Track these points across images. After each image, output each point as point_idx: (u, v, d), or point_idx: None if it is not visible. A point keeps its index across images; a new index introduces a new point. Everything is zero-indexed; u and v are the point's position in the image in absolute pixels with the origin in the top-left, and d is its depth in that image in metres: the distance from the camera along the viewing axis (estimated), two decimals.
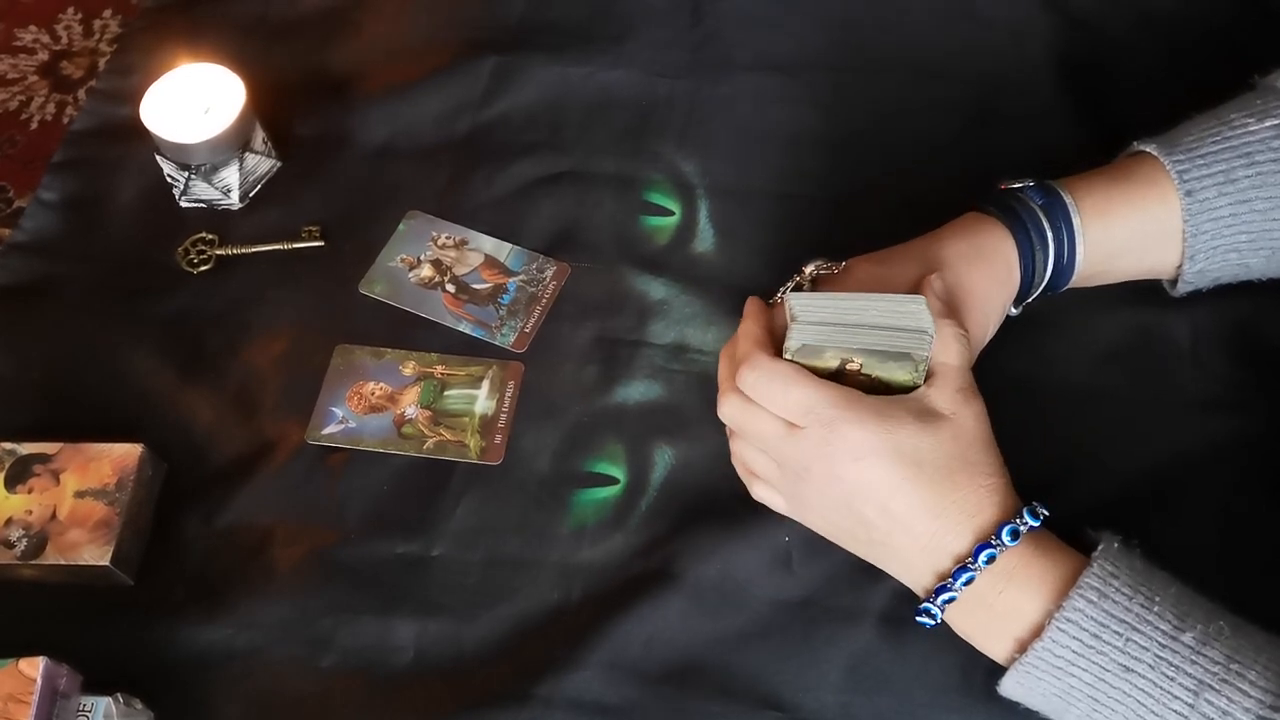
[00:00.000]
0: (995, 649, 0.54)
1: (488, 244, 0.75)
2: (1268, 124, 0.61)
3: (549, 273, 0.73)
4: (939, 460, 0.54)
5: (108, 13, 1.77)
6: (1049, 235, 0.62)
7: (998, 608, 0.54)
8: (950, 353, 0.56)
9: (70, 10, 1.78)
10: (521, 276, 0.73)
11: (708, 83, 0.80)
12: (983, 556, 0.53)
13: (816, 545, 0.60)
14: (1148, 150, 0.63)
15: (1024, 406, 0.66)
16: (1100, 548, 0.53)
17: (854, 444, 0.53)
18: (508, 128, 0.80)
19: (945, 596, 0.54)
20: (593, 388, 0.69)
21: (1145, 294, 0.68)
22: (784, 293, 0.63)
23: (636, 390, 0.69)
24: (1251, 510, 0.62)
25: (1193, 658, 0.49)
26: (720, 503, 0.63)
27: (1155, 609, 0.51)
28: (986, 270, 0.61)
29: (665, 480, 0.65)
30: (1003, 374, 0.66)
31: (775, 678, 0.59)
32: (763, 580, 0.61)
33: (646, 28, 0.83)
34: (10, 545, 0.62)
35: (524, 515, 0.65)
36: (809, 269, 0.63)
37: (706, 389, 0.68)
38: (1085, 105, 0.77)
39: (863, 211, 0.74)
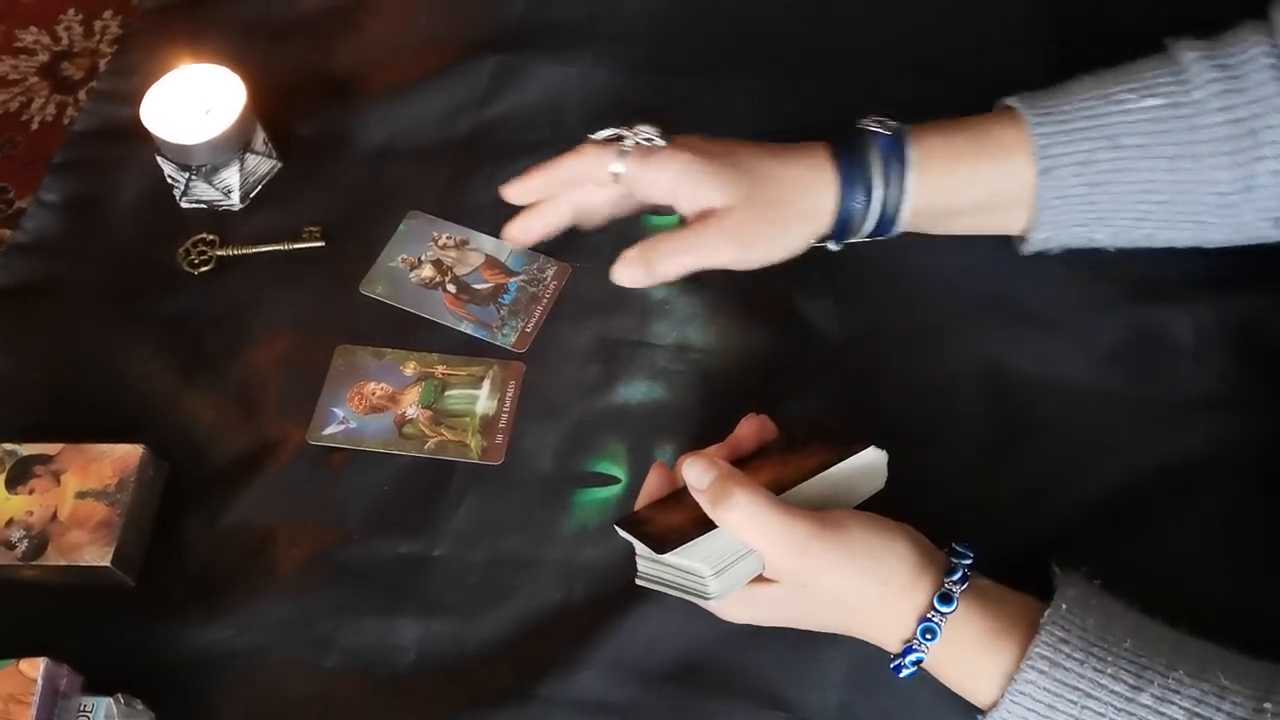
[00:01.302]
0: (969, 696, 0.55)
1: (489, 244, 0.75)
2: (1147, 103, 0.60)
3: (550, 273, 0.73)
4: (834, 613, 0.56)
5: (108, 13, 1.78)
6: (874, 180, 0.62)
7: (953, 678, 0.54)
8: (755, 529, 0.52)
9: (71, 11, 1.78)
10: (522, 276, 0.73)
11: (708, 83, 0.80)
12: (909, 659, 0.54)
13: None
14: (1016, 111, 0.62)
15: (1025, 406, 0.66)
16: (1048, 611, 0.52)
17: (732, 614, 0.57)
18: (508, 127, 0.80)
19: (903, 675, 0.55)
20: (594, 388, 0.69)
21: (1147, 294, 0.68)
22: (602, 135, 0.65)
23: (638, 390, 0.69)
24: (1252, 510, 0.62)
25: (1150, 719, 0.49)
26: None
27: (1109, 670, 0.49)
28: (775, 225, 0.62)
29: None
30: (1004, 373, 0.66)
31: (778, 677, 0.59)
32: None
33: (647, 28, 0.83)
34: (11, 546, 0.62)
35: (526, 515, 0.65)
36: (633, 137, 0.64)
37: (708, 389, 0.68)
38: None
39: None
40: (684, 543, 0.52)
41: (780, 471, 0.56)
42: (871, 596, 0.54)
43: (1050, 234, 0.64)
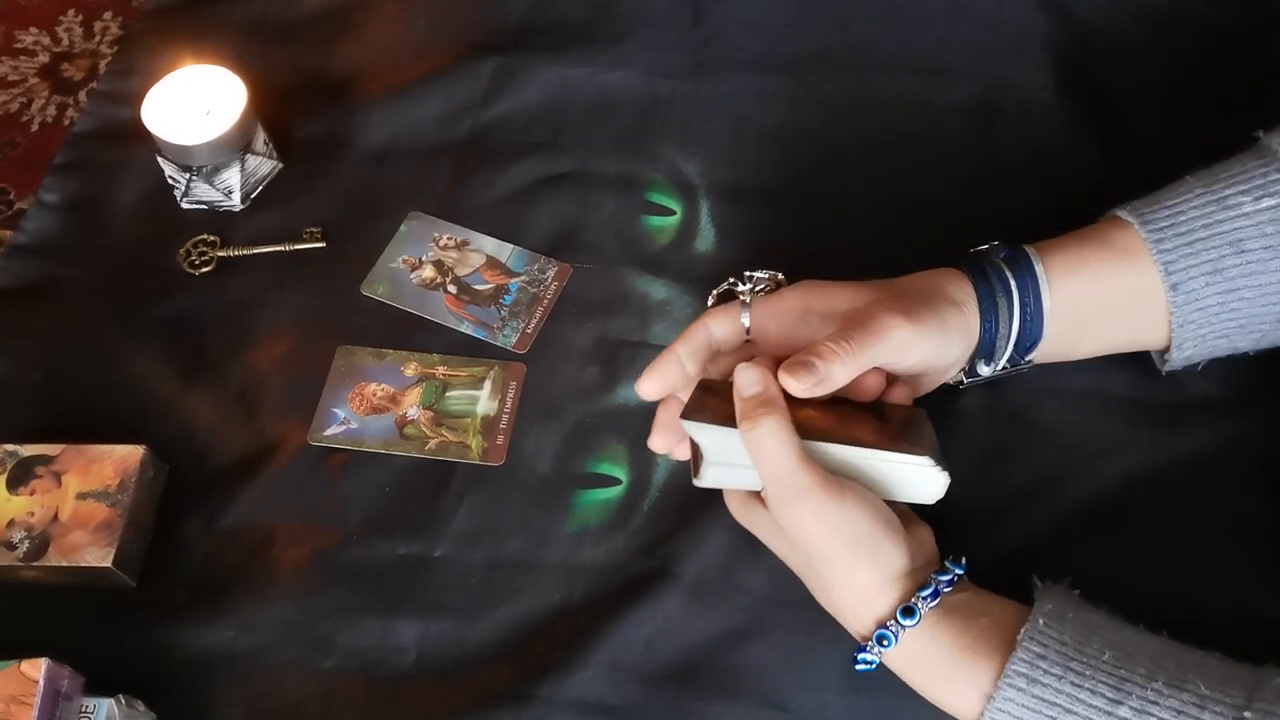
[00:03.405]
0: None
1: (489, 245, 0.75)
2: (1265, 205, 0.57)
3: (550, 273, 0.73)
4: (802, 568, 0.57)
5: (108, 14, 1.78)
6: (1012, 282, 0.59)
7: (929, 691, 0.54)
8: (763, 458, 0.53)
9: (71, 12, 1.78)
10: (523, 277, 0.73)
11: (708, 83, 0.80)
12: (862, 657, 0.55)
13: None
14: (1131, 223, 0.59)
15: (1025, 408, 0.66)
16: (1025, 628, 0.52)
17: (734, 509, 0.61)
18: (509, 128, 0.80)
19: (858, 669, 0.56)
20: (595, 388, 0.69)
21: None
22: (717, 293, 0.64)
23: None
24: (1251, 512, 0.62)
25: None
26: (722, 503, 0.63)
27: (1088, 685, 0.49)
28: (927, 307, 0.57)
29: (667, 481, 0.65)
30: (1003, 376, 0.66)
31: (777, 677, 0.59)
32: (764, 579, 0.61)
33: (647, 28, 0.83)
34: (12, 547, 0.62)
35: (526, 516, 0.65)
36: (747, 288, 0.61)
37: None
38: (1086, 104, 0.77)
39: (863, 211, 0.74)
40: (704, 422, 0.55)
41: (833, 424, 0.56)
42: (836, 576, 0.55)
43: (1192, 351, 0.60)
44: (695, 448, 0.57)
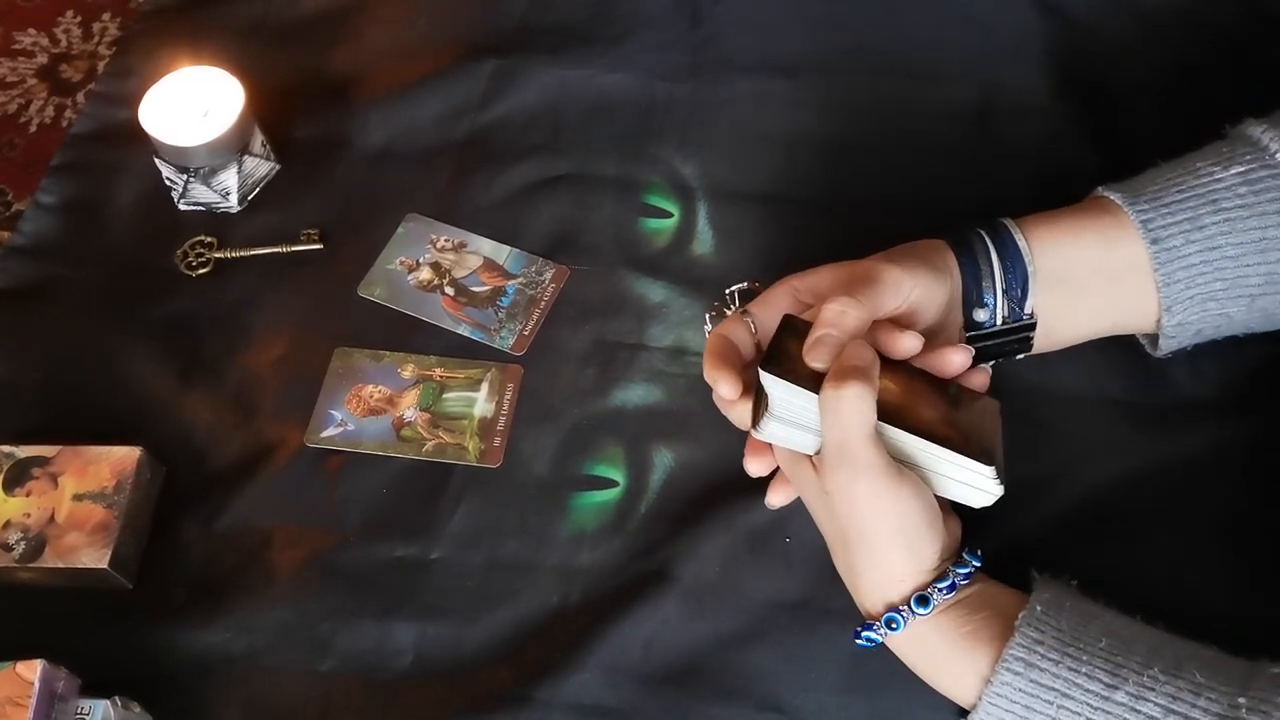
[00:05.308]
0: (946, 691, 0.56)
1: (487, 247, 0.75)
2: (1234, 171, 0.59)
3: (548, 275, 0.73)
4: (832, 534, 0.57)
5: (106, 16, 1.78)
6: (982, 230, 0.61)
7: (932, 678, 0.55)
8: (837, 422, 0.53)
9: (69, 13, 1.78)
10: (520, 279, 0.73)
11: (707, 85, 0.80)
12: (865, 634, 0.56)
13: (815, 546, 0.60)
14: (1109, 197, 0.61)
15: (1023, 409, 0.66)
16: (1022, 614, 0.52)
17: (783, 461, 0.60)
18: (507, 130, 0.80)
19: (857, 644, 0.56)
20: (592, 390, 0.69)
21: None
22: (710, 317, 0.66)
23: (636, 393, 0.69)
24: (1247, 514, 0.62)
25: (1127, 716, 0.49)
26: (720, 505, 0.63)
27: (1084, 670, 0.50)
28: (905, 252, 0.60)
29: (665, 483, 0.65)
30: (1002, 377, 0.66)
31: (775, 679, 0.59)
32: (762, 582, 0.61)
33: (646, 31, 0.84)
34: (9, 548, 0.62)
35: (523, 518, 0.65)
36: (736, 303, 0.63)
37: (705, 392, 0.68)
38: (1083, 106, 0.77)
39: (861, 214, 0.74)
40: (781, 377, 0.54)
41: (907, 403, 0.55)
42: (866, 555, 0.55)
43: (1183, 316, 0.60)
44: (762, 397, 0.56)
